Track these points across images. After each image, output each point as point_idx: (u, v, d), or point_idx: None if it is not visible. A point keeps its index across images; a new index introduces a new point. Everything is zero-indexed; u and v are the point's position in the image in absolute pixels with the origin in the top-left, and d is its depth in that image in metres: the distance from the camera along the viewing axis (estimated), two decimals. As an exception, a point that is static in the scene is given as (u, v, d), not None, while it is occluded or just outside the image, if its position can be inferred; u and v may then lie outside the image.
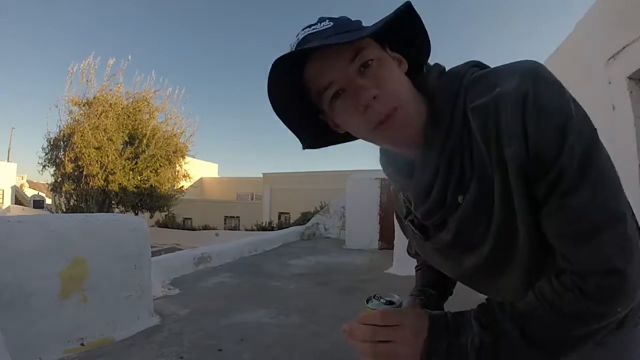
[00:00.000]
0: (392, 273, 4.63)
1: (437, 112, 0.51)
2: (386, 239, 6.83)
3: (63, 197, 13.98)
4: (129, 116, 14.44)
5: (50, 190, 15.34)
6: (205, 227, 17.74)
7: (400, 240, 4.51)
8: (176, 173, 16.02)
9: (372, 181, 7.18)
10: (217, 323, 2.89)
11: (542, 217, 0.45)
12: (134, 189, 14.13)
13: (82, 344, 2.29)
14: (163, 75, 32.49)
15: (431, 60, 0.57)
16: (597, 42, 3.03)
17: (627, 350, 0.58)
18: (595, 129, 0.44)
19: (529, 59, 0.47)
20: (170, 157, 15.27)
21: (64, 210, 13.74)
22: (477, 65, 0.54)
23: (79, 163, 13.31)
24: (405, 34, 0.53)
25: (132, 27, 62.49)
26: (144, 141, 14.43)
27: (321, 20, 0.51)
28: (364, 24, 0.52)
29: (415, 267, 0.83)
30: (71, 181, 13.53)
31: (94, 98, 13.86)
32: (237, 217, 19.94)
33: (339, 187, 9.70)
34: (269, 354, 2.37)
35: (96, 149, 13.32)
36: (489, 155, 0.46)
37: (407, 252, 0.83)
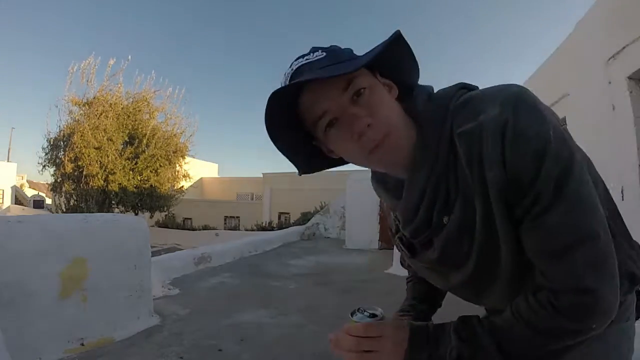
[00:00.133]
0: (392, 273, 4.63)
1: (425, 136, 0.53)
2: (386, 239, 6.82)
3: (63, 197, 13.99)
4: (129, 116, 14.44)
5: (50, 190, 15.35)
6: (205, 227, 17.74)
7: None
8: (176, 173, 16.02)
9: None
10: (217, 323, 2.89)
11: (520, 235, 0.48)
12: (134, 189, 14.13)
13: (82, 344, 2.29)
14: (163, 75, 32.55)
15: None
16: (597, 42, 3.03)
17: (618, 344, 0.61)
18: (573, 153, 0.46)
19: (513, 83, 0.50)
20: (170, 157, 15.27)
21: (64, 210, 13.75)
22: (465, 87, 0.56)
23: (79, 163, 13.32)
24: (395, 59, 0.55)
25: (132, 27, 62.52)
26: (144, 141, 14.43)
27: (314, 50, 0.53)
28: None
29: (406, 278, 0.86)
30: (71, 181, 13.54)
31: (94, 98, 13.87)
32: (237, 217, 19.95)
33: (339, 187, 9.69)
34: (269, 354, 2.37)
35: (96, 149, 13.33)
36: (472, 178, 0.49)
37: (401, 264, 0.86)
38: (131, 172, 14.12)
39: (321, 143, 0.57)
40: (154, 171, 14.61)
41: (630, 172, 2.49)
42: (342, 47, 0.56)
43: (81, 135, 13.20)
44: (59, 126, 14.15)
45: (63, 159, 13.58)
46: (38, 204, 22.87)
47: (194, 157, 18.25)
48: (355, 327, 0.54)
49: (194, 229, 17.92)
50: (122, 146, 14.40)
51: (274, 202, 19.46)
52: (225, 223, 19.94)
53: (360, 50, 0.55)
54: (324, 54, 0.52)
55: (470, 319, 0.52)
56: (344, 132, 0.51)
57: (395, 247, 5.29)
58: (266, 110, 0.50)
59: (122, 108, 14.29)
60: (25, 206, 22.11)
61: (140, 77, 15.27)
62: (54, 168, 14.14)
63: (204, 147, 60.71)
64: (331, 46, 0.55)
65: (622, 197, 2.67)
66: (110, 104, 13.95)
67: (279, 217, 18.08)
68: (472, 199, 0.49)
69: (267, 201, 19.84)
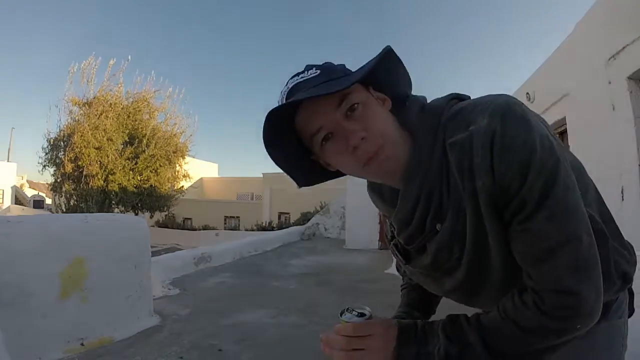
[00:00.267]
0: (392, 273, 4.63)
1: (418, 146, 0.55)
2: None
3: (63, 197, 14.00)
4: (129, 116, 14.45)
5: (50, 190, 15.36)
6: (205, 227, 17.75)
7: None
8: (176, 173, 16.03)
9: (372, 181, 7.20)
10: (217, 323, 2.89)
11: (509, 238, 0.50)
12: (134, 189, 14.14)
13: (82, 344, 2.29)
14: (163, 74, 32.56)
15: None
16: (597, 42, 3.03)
17: (611, 341, 0.63)
18: (559, 160, 0.47)
19: (503, 93, 0.52)
20: (170, 157, 15.28)
21: (64, 210, 13.76)
22: (456, 97, 0.59)
23: (79, 163, 13.33)
24: (387, 73, 0.57)
25: (132, 27, 62.55)
26: (144, 141, 14.44)
27: (308, 68, 0.56)
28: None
29: (401, 285, 0.88)
30: (71, 181, 13.54)
31: (94, 98, 13.88)
32: (237, 217, 19.94)
33: (339, 187, 9.66)
34: (269, 354, 2.37)
35: (96, 149, 13.33)
36: (463, 186, 0.51)
37: (397, 270, 0.87)
38: (131, 172, 14.12)
39: (318, 157, 0.59)
40: (154, 171, 14.61)
41: (630, 172, 2.49)
42: (336, 64, 0.58)
43: (81, 135, 13.21)
44: (59, 126, 14.18)
45: (63, 159, 13.59)
46: (38, 204, 22.88)
47: (194, 157, 18.25)
48: (345, 327, 0.56)
49: (194, 229, 17.93)
50: (122, 146, 14.41)
51: (274, 202, 19.46)
52: (225, 223, 19.94)
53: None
54: (318, 71, 0.55)
55: (457, 317, 0.54)
56: (340, 146, 0.53)
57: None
58: (264, 127, 0.52)
59: (122, 108, 14.30)
60: (25, 206, 22.12)
61: (140, 77, 15.31)
62: (54, 168, 14.15)
63: (204, 147, 60.80)
64: (325, 63, 0.57)
65: (622, 197, 2.67)
66: (110, 104, 13.96)
67: (279, 217, 18.09)
68: (463, 207, 0.52)
69: (267, 201, 19.84)
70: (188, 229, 18.13)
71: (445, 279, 0.61)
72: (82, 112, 13.91)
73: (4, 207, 21.80)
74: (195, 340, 2.53)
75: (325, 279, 4.60)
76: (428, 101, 0.61)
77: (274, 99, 0.58)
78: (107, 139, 13.54)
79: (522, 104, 0.51)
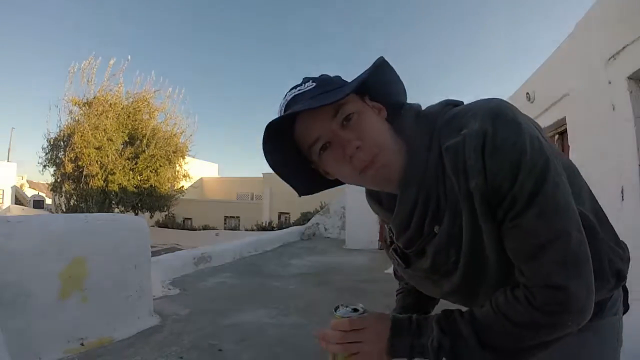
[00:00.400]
0: (392, 273, 4.63)
1: (414, 153, 0.57)
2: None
3: (63, 197, 14.01)
4: (129, 116, 14.45)
5: (50, 190, 15.36)
6: (205, 227, 17.76)
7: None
8: (176, 173, 16.03)
9: (372, 181, 7.19)
10: (217, 323, 2.89)
11: (502, 236, 0.51)
12: (134, 189, 14.15)
13: (82, 344, 2.29)
14: (163, 75, 32.55)
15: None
16: (597, 42, 3.03)
17: (607, 337, 0.65)
18: (549, 160, 0.49)
19: (495, 97, 0.55)
20: (170, 157, 15.28)
21: (64, 210, 13.77)
22: (450, 103, 0.61)
23: (79, 163, 13.33)
24: (381, 83, 0.59)
25: (132, 27, 62.56)
26: (144, 141, 14.44)
27: (305, 80, 0.58)
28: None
29: (396, 290, 0.89)
30: (71, 181, 13.55)
31: (94, 98, 13.89)
32: (237, 217, 19.96)
33: (339, 187, 9.67)
34: (269, 354, 2.37)
35: (96, 149, 13.34)
36: (458, 188, 0.52)
37: (394, 274, 0.88)
38: (131, 172, 14.13)
39: (317, 166, 0.61)
40: (154, 171, 14.62)
41: (630, 172, 2.49)
42: (332, 75, 0.61)
43: (81, 135, 13.22)
44: (59, 126, 14.19)
45: (63, 159, 13.60)
46: (38, 204, 22.89)
47: (194, 157, 18.25)
48: (341, 322, 0.58)
49: (194, 229, 17.94)
50: (122, 146, 14.41)
51: (274, 202, 19.46)
52: (225, 223, 19.95)
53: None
54: (315, 83, 0.57)
55: (452, 312, 0.56)
56: (337, 155, 0.56)
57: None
58: (263, 139, 0.54)
59: (122, 108, 14.31)
60: (25, 206, 22.12)
61: (140, 77, 15.31)
62: (54, 168, 14.16)
63: (204, 147, 60.78)
64: (321, 75, 0.60)
65: (622, 197, 2.67)
66: (110, 104, 13.97)
67: (279, 217, 18.11)
68: (460, 209, 0.53)
69: (267, 201, 19.85)
70: (188, 229, 18.14)
71: (443, 282, 0.62)
72: (82, 112, 13.92)
73: (4, 207, 21.80)
74: (195, 340, 2.53)
75: (325, 279, 4.60)
76: (423, 108, 0.63)
77: (275, 99, 0.59)
78: (107, 139, 13.55)
79: (514, 107, 0.53)
